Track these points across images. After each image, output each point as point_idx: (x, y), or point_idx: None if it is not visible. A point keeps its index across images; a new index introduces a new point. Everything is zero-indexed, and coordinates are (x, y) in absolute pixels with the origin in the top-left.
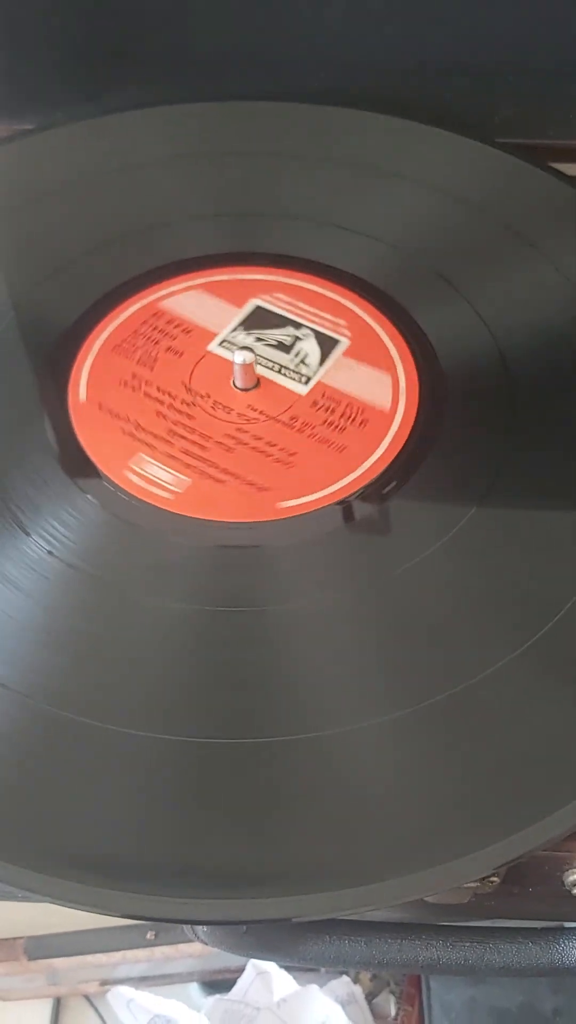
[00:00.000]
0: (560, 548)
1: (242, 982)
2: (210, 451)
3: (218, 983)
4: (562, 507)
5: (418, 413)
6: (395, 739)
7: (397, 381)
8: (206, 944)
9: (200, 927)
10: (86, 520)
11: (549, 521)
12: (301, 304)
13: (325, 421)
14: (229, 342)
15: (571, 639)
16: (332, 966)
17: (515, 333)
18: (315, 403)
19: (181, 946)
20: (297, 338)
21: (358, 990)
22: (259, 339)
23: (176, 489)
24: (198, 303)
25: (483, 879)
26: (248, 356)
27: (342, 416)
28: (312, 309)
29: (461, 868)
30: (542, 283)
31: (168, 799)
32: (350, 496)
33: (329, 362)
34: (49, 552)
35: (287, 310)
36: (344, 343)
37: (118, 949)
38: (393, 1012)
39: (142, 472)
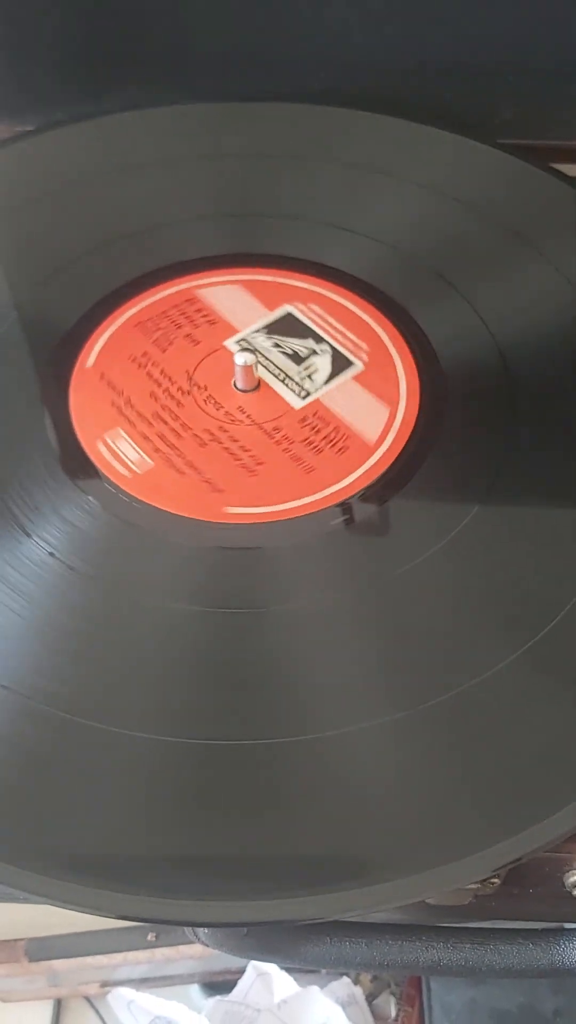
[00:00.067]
0: (560, 548)
1: (243, 983)
2: (184, 441)
3: (219, 984)
4: (562, 507)
5: (418, 414)
6: (396, 740)
7: (394, 417)
8: (207, 946)
9: (201, 929)
10: (87, 522)
11: (549, 521)
12: (331, 319)
13: (306, 439)
14: (246, 341)
15: (571, 640)
16: (333, 968)
17: (515, 333)
18: (304, 419)
19: (182, 948)
20: (314, 352)
21: (358, 991)
22: (276, 344)
23: (136, 470)
24: (234, 298)
25: (484, 880)
26: (249, 358)
27: (325, 439)
28: (340, 327)
29: (462, 870)
30: (542, 284)
31: (168, 800)
32: (344, 500)
33: (335, 382)
34: (51, 554)
35: (315, 322)
36: (357, 367)
37: (119, 951)
38: (393, 1013)
39: (112, 445)
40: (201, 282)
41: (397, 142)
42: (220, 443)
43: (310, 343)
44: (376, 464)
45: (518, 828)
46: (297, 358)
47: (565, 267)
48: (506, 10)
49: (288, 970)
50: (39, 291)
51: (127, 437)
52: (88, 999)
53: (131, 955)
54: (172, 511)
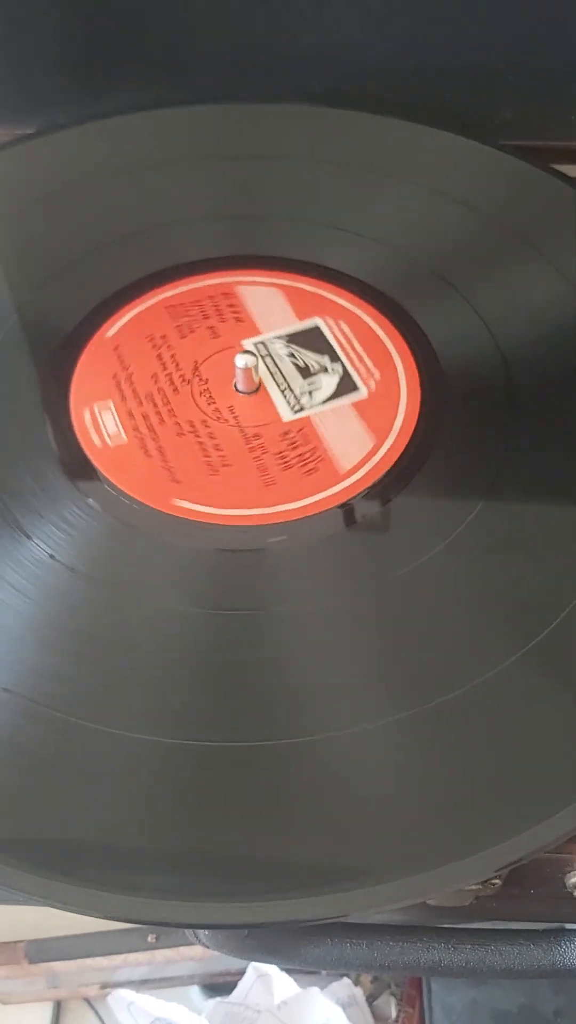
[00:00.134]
0: (561, 549)
1: (243, 985)
2: (164, 427)
3: (219, 986)
4: (563, 507)
5: (419, 414)
6: (396, 742)
7: (375, 451)
8: (207, 947)
9: (201, 931)
10: (87, 523)
11: (549, 522)
12: (355, 342)
13: (279, 453)
14: (263, 344)
15: (573, 641)
16: (334, 969)
17: (516, 334)
18: (287, 432)
19: (182, 949)
20: (324, 369)
21: (359, 992)
22: (292, 354)
23: (108, 443)
24: (270, 301)
25: (485, 881)
26: (250, 361)
27: (299, 457)
28: (360, 350)
29: (463, 871)
30: (543, 284)
31: (169, 802)
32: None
33: (332, 404)
34: (51, 556)
35: (338, 341)
36: (361, 394)
37: (119, 952)
38: (394, 1014)
39: (96, 415)
40: (244, 279)
41: (397, 143)
42: (197, 436)
43: (325, 360)
44: (338, 494)
45: (519, 829)
46: (306, 372)
47: (565, 268)
48: (506, 10)
49: (288, 971)
50: (38, 293)
51: (112, 410)
52: (88, 1001)
53: (131, 957)
54: (124, 489)
